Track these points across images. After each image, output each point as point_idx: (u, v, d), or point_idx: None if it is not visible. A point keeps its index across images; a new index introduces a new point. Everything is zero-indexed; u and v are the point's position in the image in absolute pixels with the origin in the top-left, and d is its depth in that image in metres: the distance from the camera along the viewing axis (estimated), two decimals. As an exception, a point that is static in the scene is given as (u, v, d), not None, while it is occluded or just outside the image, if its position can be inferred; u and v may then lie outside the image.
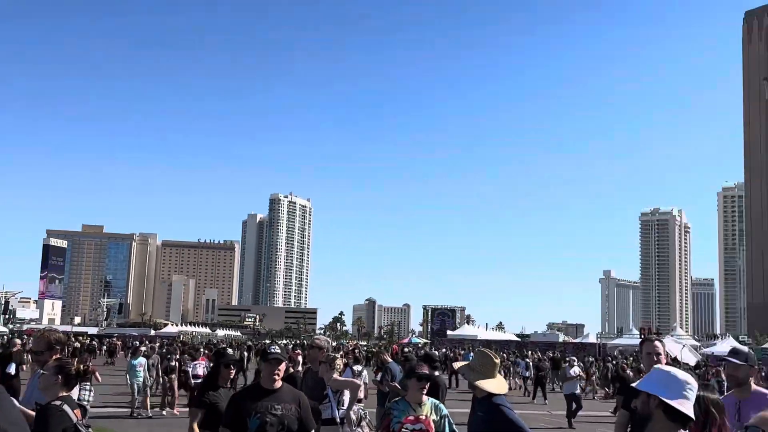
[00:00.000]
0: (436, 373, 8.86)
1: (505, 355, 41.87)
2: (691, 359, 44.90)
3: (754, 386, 5.70)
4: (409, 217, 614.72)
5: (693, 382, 3.34)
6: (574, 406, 22.55)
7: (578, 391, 23.98)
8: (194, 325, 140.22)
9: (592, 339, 75.25)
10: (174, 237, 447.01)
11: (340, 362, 8.56)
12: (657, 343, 5.89)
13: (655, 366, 3.52)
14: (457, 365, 6.52)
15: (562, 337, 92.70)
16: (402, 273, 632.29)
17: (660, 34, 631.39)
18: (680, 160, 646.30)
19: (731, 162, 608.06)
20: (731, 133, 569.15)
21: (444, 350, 55.97)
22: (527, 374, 31.70)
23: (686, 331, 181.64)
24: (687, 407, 3.23)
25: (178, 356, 23.90)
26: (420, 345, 77.87)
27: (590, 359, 44.55)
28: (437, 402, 6.39)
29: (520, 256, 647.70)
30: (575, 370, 24.43)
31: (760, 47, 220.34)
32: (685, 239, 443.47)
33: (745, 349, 6.03)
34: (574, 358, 28.71)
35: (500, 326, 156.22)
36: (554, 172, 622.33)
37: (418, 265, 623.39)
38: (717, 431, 3.65)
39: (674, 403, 3.20)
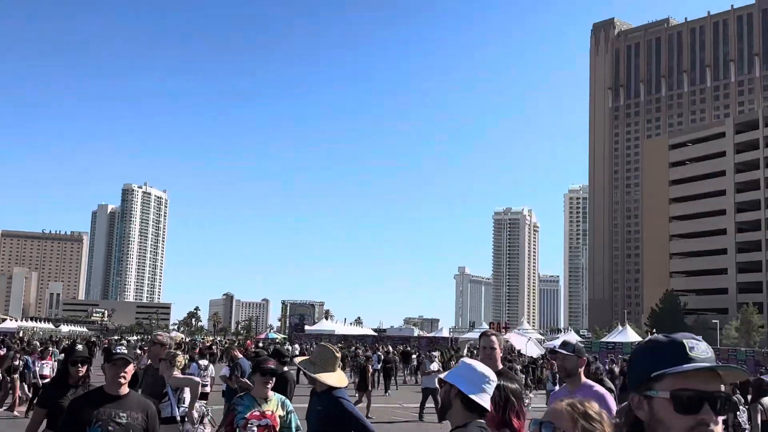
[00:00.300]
0: (285, 368, 8.75)
1: (360, 350, 42.29)
2: (535, 352, 47.12)
3: (583, 378, 5.90)
4: (269, 213, 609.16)
5: (492, 377, 3.59)
6: (431, 400, 22.97)
7: (436, 385, 24.41)
8: (36, 321, 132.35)
9: (445, 333, 77.45)
10: (16, 227, 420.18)
11: (181, 359, 8.24)
12: (493, 337, 6.07)
13: (462, 359, 3.74)
14: (297, 360, 6.44)
15: (417, 332, 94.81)
16: (262, 268, 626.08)
17: (516, 44, 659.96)
18: (533, 163, 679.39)
19: (578, 165, 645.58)
20: (579, 139, 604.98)
21: (297, 345, 55.82)
22: (378, 367, 32.39)
23: (532, 325, 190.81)
24: (484, 399, 3.49)
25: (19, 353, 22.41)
26: (277, 340, 77.25)
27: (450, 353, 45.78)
28: (284, 398, 6.25)
29: (381, 252, 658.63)
30: (435, 365, 24.92)
31: (606, 58, 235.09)
32: (534, 238, 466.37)
33: (574, 340, 6.32)
34: (436, 353, 29.36)
35: (359, 321, 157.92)
36: (413, 172, 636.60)
37: (279, 260, 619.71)
38: (515, 416, 3.96)
39: (472, 396, 3.46)
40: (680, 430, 1.81)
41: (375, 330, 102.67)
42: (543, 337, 69.26)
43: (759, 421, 9.92)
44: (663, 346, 1.88)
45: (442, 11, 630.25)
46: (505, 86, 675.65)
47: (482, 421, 3.53)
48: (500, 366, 6.55)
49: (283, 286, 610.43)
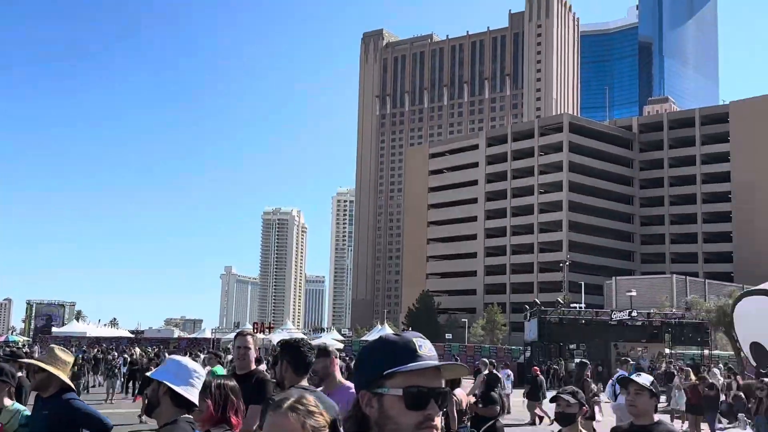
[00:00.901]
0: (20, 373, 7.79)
1: (116, 353, 39.80)
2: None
3: (339, 379, 5.73)
4: (10, 206, 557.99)
5: (201, 371, 3.73)
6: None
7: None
8: None
9: (208, 334, 75.60)
10: None
11: None
12: (248, 338, 6.07)
13: (168, 357, 3.85)
14: (27, 361, 5.72)
15: (177, 333, 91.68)
16: (1, 267, 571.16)
17: (290, 47, 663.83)
18: (304, 165, 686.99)
19: (347, 169, 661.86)
20: (349, 143, 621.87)
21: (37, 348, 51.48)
22: (125, 371, 30.67)
23: (297, 325, 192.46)
24: (192, 394, 3.60)
25: None
26: (20, 343, 70.57)
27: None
28: (24, 408, 5.65)
29: (144, 251, 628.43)
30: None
31: (375, 67, 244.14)
32: (302, 238, 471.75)
33: (328, 342, 6.17)
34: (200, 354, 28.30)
35: (114, 322, 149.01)
36: (179, 169, 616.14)
37: (22, 258, 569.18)
38: (234, 413, 4.01)
39: (179, 390, 3.54)
40: (409, 425, 1.86)
41: (132, 331, 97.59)
42: (306, 337, 69.93)
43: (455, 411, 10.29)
44: (394, 344, 1.92)
45: (202, 11, 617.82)
46: (278, 88, 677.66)
47: (190, 416, 3.58)
48: (253, 366, 6.22)
49: (27, 285, 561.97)
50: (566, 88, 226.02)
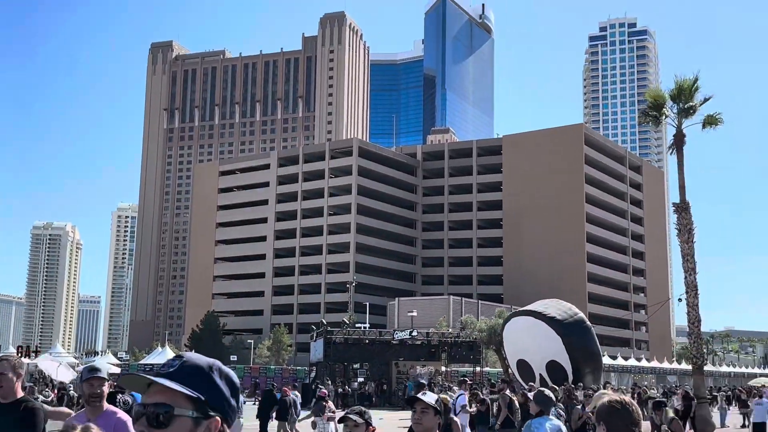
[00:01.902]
0: None
1: None
2: (67, 376, 43.97)
3: (107, 405, 5.50)
4: None
5: None
6: None
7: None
8: None
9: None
10: None
11: None
12: (3, 362, 5.54)
13: None
14: None
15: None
16: None
17: (73, 52, 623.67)
18: (81, 178, 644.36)
19: (129, 183, 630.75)
20: (132, 156, 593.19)
21: None
22: None
23: (67, 349, 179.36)
24: None
25: None
26: None
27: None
28: None
29: None
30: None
31: (163, 80, 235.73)
32: (77, 256, 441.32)
33: (101, 364, 5.78)
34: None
35: None
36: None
37: None
38: None
39: None
40: None
41: None
42: (77, 361, 65.22)
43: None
44: None
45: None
46: (56, 93, 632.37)
47: None
48: (20, 394, 5.72)
49: None
50: (356, 114, 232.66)
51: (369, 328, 60.92)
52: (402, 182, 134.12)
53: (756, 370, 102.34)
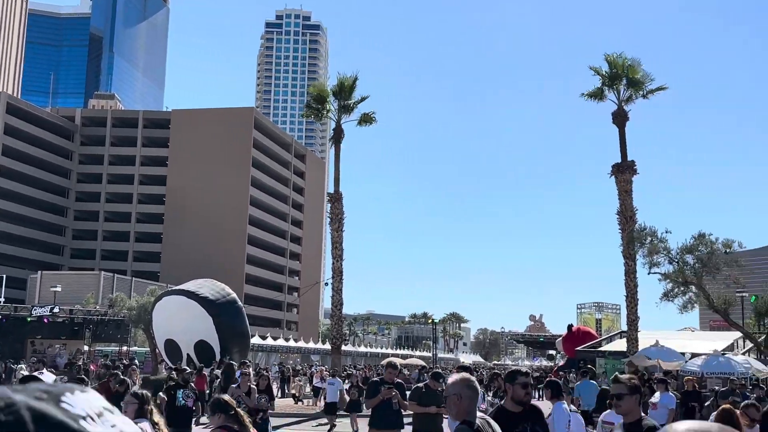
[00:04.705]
0: None
1: None
2: None
3: None
4: None
5: None
6: None
7: None
8: None
9: None
10: None
11: None
12: None
13: None
14: None
15: None
16: None
17: None
18: None
19: None
20: None
21: None
22: None
23: None
24: None
25: None
26: None
27: None
28: None
29: None
30: None
31: None
32: None
33: None
34: None
35: None
36: None
37: None
38: None
39: None
40: None
41: None
42: None
43: None
44: None
45: None
46: None
47: None
48: None
49: None
50: (8, 67, 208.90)
51: (4, 302, 55.16)
52: (56, 146, 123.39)
53: (389, 351, 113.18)
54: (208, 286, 34.13)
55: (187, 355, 31.78)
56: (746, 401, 10.45)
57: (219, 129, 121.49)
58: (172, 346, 32.71)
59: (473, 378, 5.02)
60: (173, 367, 30.31)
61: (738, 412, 8.60)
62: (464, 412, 4.71)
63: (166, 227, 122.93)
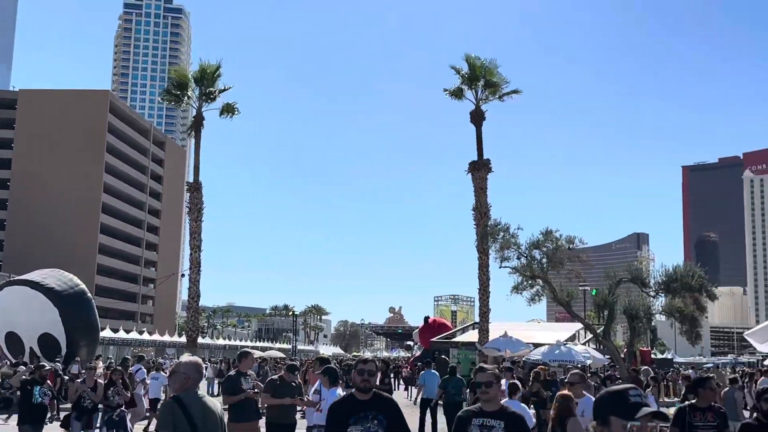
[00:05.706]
0: None
1: None
2: None
3: None
4: None
5: None
6: None
7: None
8: None
9: None
10: None
11: None
12: None
13: None
14: None
15: None
16: None
17: None
18: None
19: None
20: None
21: None
22: None
23: None
24: None
25: None
26: None
27: None
28: None
29: None
30: None
31: None
32: None
33: None
34: None
35: None
36: None
37: None
38: None
39: None
40: None
41: None
42: None
43: None
44: None
45: None
46: None
47: None
48: None
49: None
50: None
51: None
52: None
53: (248, 343, 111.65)
54: (55, 276, 32.39)
55: (30, 348, 30.08)
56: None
57: (71, 112, 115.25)
58: (12, 339, 30.85)
59: (202, 362, 6.15)
60: (17, 361, 28.58)
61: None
62: (183, 389, 5.70)
63: (10, 214, 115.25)
